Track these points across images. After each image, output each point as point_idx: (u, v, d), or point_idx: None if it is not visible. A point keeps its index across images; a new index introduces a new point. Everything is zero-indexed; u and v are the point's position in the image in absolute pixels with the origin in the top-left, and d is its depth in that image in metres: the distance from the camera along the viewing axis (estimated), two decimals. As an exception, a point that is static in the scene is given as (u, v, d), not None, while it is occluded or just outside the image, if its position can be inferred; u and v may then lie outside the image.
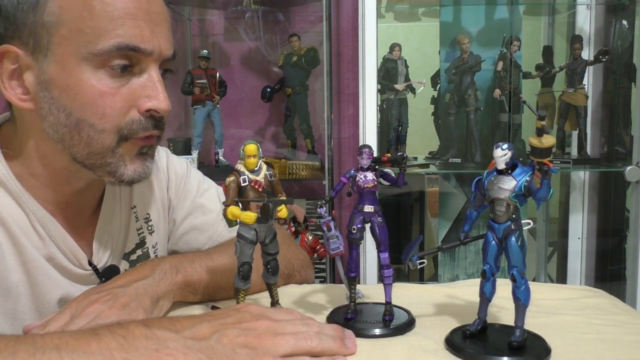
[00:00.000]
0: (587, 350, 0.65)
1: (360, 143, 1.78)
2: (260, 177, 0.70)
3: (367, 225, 0.72)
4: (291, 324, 0.63)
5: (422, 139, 2.41)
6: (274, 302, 0.74)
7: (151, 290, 0.75)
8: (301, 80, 2.03)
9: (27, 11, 0.71)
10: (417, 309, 0.77)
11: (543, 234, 2.28)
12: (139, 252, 0.92)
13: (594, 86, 2.01)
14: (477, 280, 0.68)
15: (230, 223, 0.69)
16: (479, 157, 1.94)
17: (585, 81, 1.91)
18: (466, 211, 0.68)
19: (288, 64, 2.02)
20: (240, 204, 0.68)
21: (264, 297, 0.80)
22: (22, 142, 0.78)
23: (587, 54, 1.95)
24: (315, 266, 2.02)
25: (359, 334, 0.68)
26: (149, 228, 0.94)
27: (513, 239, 0.63)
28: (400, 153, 0.71)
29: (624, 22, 2.02)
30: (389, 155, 0.72)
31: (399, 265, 0.72)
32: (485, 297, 0.67)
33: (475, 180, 0.67)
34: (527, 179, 0.61)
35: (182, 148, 1.99)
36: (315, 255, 1.98)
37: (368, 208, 0.71)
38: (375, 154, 0.71)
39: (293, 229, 1.95)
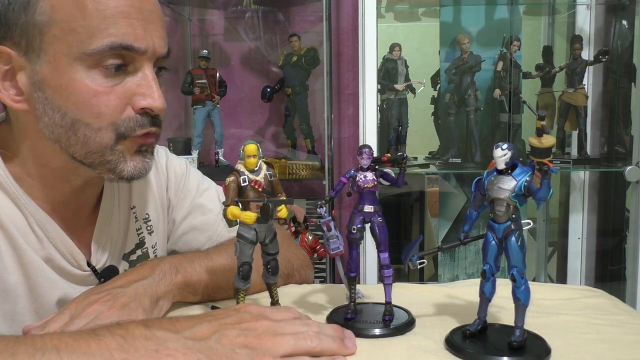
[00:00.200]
0: (587, 350, 0.65)
1: (360, 143, 1.78)
2: (260, 177, 0.70)
3: (367, 225, 0.72)
4: (291, 324, 0.63)
5: (422, 139, 2.41)
6: (274, 302, 0.74)
7: (151, 291, 0.75)
8: (301, 80, 2.03)
9: (18, 11, 0.71)
10: (417, 309, 0.77)
11: (543, 234, 2.28)
12: (138, 252, 0.92)
13: (594, 86, 2.01)
14: (477, 280, 0.68)
15: (230, 223, 0.69)
16: (479, 157, 1.94)
17: (585, 81, 1.91)
18: (466, 211, 0.68)
19: (288, 64, 2.02)
20: (240, 204, 0.68)
21: (264, 297, 0.80)
22: (19, 143, 0.78)
23: (587, 54, 1.95)
24: (315, 266, 2.02)
25: (359, 334, 0.68)
26: (149, 228, 0.93)
27: (513, 239, 0.63)
28: (400, 153, 0.71)
29: (624, 22, 2.02)
30: (389, 155, 0.72)
31: (399, 265, 0.72)
32: (485, 297, 0.67)
33: (475, 180, 0.67)
34: (527, 179, 0.61)
35: (182, 148, 1.99)
36: (315, 255, 1.98)
37: (368, 208, 0.71)
38: (375, 154, 0.71)
39: (293, 229, 1.95)
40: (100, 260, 0.85)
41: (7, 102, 0.74)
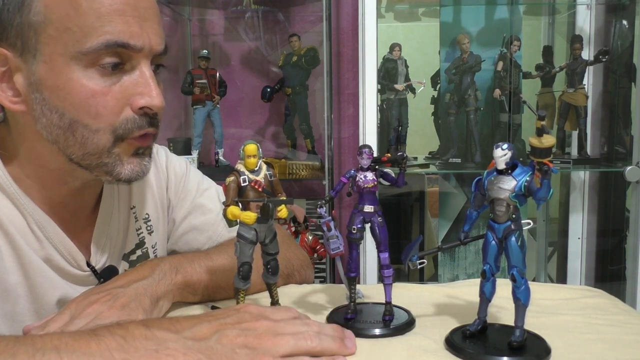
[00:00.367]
0: (587, 350, 0.65)
1: (360, 143, 1.78)
2: (260, 177, 0.70)
3: (367, 225, 0.72)
4: (291, 324, 0.63)
5: (422, 139, 2.41)
6: (274, 302, 0.74)
7: (151, 291, 0.75)
8: (301, 80, 2.02)
9: (13, 12, 0.70)
10: (417, 309, 0.77)
11: (543, 234, 2.28)
12: (138, 252, 0.92)
13: (594, 86, 2.01)
14: (477, 280, 0.68)
15: (230, 223, 0.69)
16: (479, 157, 1.94)
17: (585, 81, 1.91)
18: (466, 211, 0.68)
19: (288, 64, 2.02)
20: (240, 204, 0.68)
21: (264, 297, 0.80)
22: (17, 144, 0.78)
23: (587, 54, 1.95)
24: (315, 266, 2.02)
25: (359, 334, 0.68)
26: (148, 228, 0.93)
27: (513, 239, 0.63)
28: (400, 153, 0.71)
29: (624, 22, 2.02)
30: (389, 155, 0.72)
31: (399, 265, 0.72)
32: (485, 297, 0.67)
33: (475, 180, 0.67)
34: (527, 179, 0.61)
35: (182, 148, 1.99)
36: (315, 255, 1.98)
37: (368, 208, 0.71)
38: (375, 154, 0.71)
39: (293, 229, 1.95)
40: (100, 260, 0.85)
41: (5, 104, 0.74)
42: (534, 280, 2.01)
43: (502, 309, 0.74)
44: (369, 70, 1.76)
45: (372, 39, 1.76)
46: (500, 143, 0.63)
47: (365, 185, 0.70)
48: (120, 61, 0.72)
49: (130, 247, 0.91)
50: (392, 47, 2.09)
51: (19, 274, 0.76)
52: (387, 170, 0.72)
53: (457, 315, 0.75)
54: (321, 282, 2.03)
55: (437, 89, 2.16)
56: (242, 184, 0.69)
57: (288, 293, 0.85)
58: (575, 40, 1.89)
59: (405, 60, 2.10)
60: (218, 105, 2.01)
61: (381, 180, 0.72)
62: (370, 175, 0.70)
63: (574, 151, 2.05)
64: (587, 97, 1.91)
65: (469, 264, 2.12)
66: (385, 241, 0.71)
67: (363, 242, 0.71)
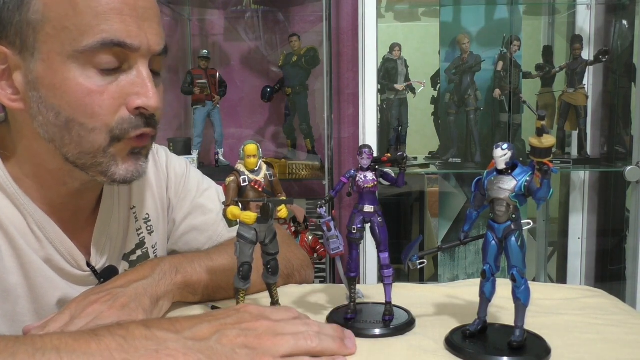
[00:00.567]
0: (587, 350, 0.65)
1: (360, 143, 1.78)
2: (260, 177, 0.70)
3: (367, 225, 0.72)
4: (291, 324, 0.63)
5: (422, 139, 2.41)
6: (274, 302, 0.74)
7: (151, 291, 0.75)
8: (301, 80, 2.02)
9: (12, 10, 0.71)
10: (417, 309, 0.77)
11: (543, 234, 2.28)
12: (138, 252, 0.92)
13: (594, 86, 2.01)
14: (477, 280, 0.68)
15: (230, 223, 0.69)
16: (479, 157, 1.94)
17: (585, 81, 1.91)
18: (466, 211, 0.68)
19: (288, 64, 2.02)
20: (240, 204, 0.68)
21: (264, 297, 0.80)
22: (16, 143, 0.78)
23: (587, 54, 1.95)
24: (315, 266, 2.02)
25: (359, 334, 0.68)
26: (149, 228, 0.93)
27: (513, 239, 0.63)
28: (400, 153, 0.71)
29: (624, 22, 2.02)
30: (389, 155, 0.72)
31: (399, 265, 0.72)
32: (485, 297, 0.67)
33: (475, 180, 0.67)
34: (527, 179, 0.61)
35: (182, 148, 1.99)
36: (315, 255, 1.98)
37: (368, 208, 0.71)
38: (375, 154, 0.71)
39: (293, 229, 1.95)
40: (100, 260, 0.85)
41: (4, 102, 0.74)
42: (534, 280, 2.01)
43: (502, 309, 0.74)
44: (369, 70, 1.76)
45: (372, 39, 1.76)
46: (500, 143, 0.63)
47: (365, 185, 0.70)
48: (118, 62, 0.72)
49: (130, 247, 0.91)
50: (392, 47, 2.09)
51: (19, 274, 0.76)
52: (387, 170, 0.72)
53: (457, 315, 0.75)
54: (321, 282, 2.03)
55: (437, 89, 2.16)
56: (242, 184, 0.69)
57: (288, 293, 0.85)
58: (575, 40, 1.89)
59: (405, 60, 2.10)
60: (218, 105, 2.01)
61: (381, 180, 0.72)
62: (370, 175, 0.70)
63: (574, 151, 2.05)
64: (587, 97, 1.91)
65: (469, 264, 2.12)
66: (385, 241, 0.71)
67: (363, 242, 0.71)
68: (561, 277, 2.22)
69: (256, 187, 0.69)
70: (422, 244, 0.70)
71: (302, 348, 0.60)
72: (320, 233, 1.97)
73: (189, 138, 2.07)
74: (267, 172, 0.71)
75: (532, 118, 1.99)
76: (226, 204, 0.68)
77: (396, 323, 0.71)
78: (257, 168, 0.70)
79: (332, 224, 0.71)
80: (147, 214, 0.93)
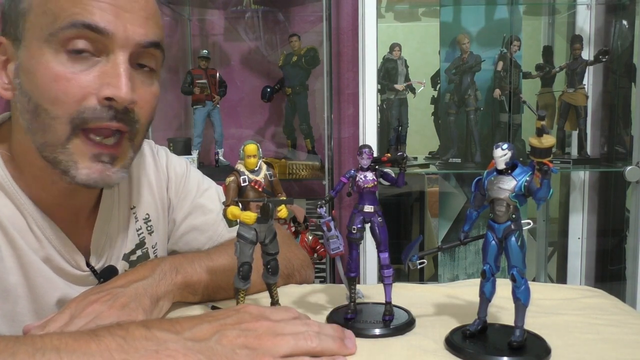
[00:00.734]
0: (587, 350, 0.65)
1: (360, 143, 1.78)
2: (260, 177, 0.70)
3: (367, 225, 0.72)
4: (291, 324, 0.63)
5: (422, 139, 2.41)
6: (274, 302, 0.74)
7: (151, 291, 0.75)
8: (301, 80, 2.02)
9: (11, 3, 0.73)
10: (417, 309, 0.77)
11: (543, 234, 2.28)
12: (138, 252, 0.92)
13: (594, 86, 2.01)
14: (477, 280, 0.68)
15: (230, 223, 0.69)
16: (479, 157, 1.94)
17: (585, 81, 1.91)
18: (466, 211, 0.68)
19: (288, 64, 2.02)
20: (240, 204, 0.68)
21: (264, 297, 0.80)
22: (15, 141, 0.78)
23: (587, 54, 1.95)
24: (315, 266, 2.02)
25: (359, 334, 0.68)
26: (149, 228, 0.93)
27: (513, 239, 0.63)
28: (400, 153, 0.71)
29: (624, 22, 2.02)
30: (389, 155, 0.72)
31: (399, 265, 0.72)
32: (485, 297, 0.67)
33: (475, 180, 0.67)
34: (527, 179, 0.61)
35: (182, 148, 1.99)
36: (315, 255, 1.98)
37: (368, 208, 0.71)
38: (375, 154, 0.71)
39: (293, 229, 1.95)
40: (100, 260, 0.85)
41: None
42: (534, 280, 2.01)
43: (502, 309, 0.74)
44: (369, 70, 1.76)
45: (372, 39, 1.76)
46: (500, 143, 0.63)
47: (365, 185, 0.70)
48: (92, 48, 0.70)
49: (130, 247, 0.91)
50: (392, 47, 2.09)
51: (19, 274, 0.76)
52: (387, 170, 0.72)
53: (457, 315, 0.75)
54: (321, 282, 2.03)
55: (437, 89, 2.16)
56: (242, 184, 0.69)
57: (288, 293, 0.85)
58: (575, 40, 1.89)
59: (405, 60, 2.10)
60: (218, 105, 2.01)
61: (381, 180, 0.72)
62: (370, 175, 0.70)
63: (574, 151, 2.05)
64: (587, 97, 1.91)
65: (469, 264, 2.12)
66: (385, 241, 0.71)
67: (363, 242, 0.71)
68: (561, 277, 2.22)
69: (256, 187, 0.69)
70: (422, 244, 0.70)
71: (302, 348, 0.60)
72: (320, 233, 1.97)
73: (189, 138, 2.07)
74: (267, 172, 0.71)
75: (532, 118, 1.99)
76: (226, 204, 0.68)
77: (396, 323, 0.71)
78: (257, 168, 0.70)
79: (332, 224, 0.71)
80: (147, 214, 0.93)
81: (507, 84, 1.93)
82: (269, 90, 2.06)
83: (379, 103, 1.97)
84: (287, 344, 0.59)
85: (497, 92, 1.93)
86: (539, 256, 2.31)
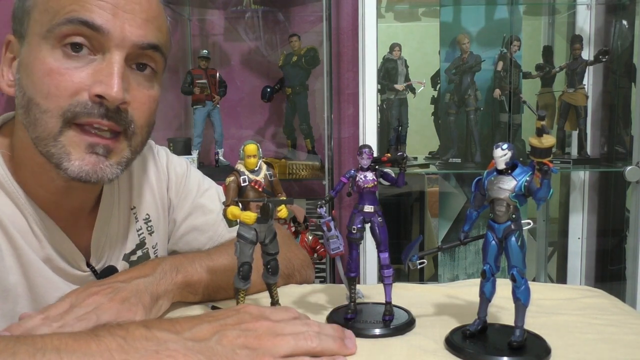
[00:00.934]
0: (587, 350, 0.65)
1: (360, 143, 1.78)
2: (260, 177, 0.70)
3: (367, 225, 0.72)
4: (291, 325, 0.63)
5: (422, 139, 2.41)
6: (274, 302, 0.74)
7: (151, 289, 0.75)
8: (301, 80, 2.02)
9: (21, 2, 0.75)
10: (417, 309, 0.77)
11: (543, 234, 2.28)
12: (139, 252, 0.92)
13: (594, 86, 2.01)
14: (477, 280, 0.68)
15: (230, 223, 0.69)
16: (479, 157, 1.94)
17: (585, 81, 1.91)
18: (466, 211, 0.68)
19: (288, 64, 2.01)
20: (240, 204, 0.68)
21: (264, 297, 0.80)
22: (16, 137, 0.78)
23: (587, 54, 1.95)
24: (315, 266, 2.02)
25: (359, 334, 0.68)
26: (149, 228, 0.93)
27: (513, 239, 0.63)
28: (400, 153, 0.71)
29: (624, 22, 2.02)
30: (389, 155, 0.72)
31: (399, 265, 0.72)
32: (485, 297, 0.67)
33: (475, 180, 0.67)
34: (527, 179, 0.61)
35: (182, 148, 1.99)
36: (315, 255, 1.98)
37: (368, 208, 0.71)
38: (375, 154, 0.71)
39: (293, 229, 1.95)
40: (100, 260, 0.85)
41: (3, 87, 0.76)
42: (534, 280, 2.01)
43: (502, 309, 0.74)
44: (369, 70, 1.76)
45: (372, 39, 1.76)
46: (500, 143, 0.63)
47: (365, 185, 0.70)
48: (88, 45, 0.71)
49: (130, 247, 0.91)
50: (392, 47, 2.09)
51: (19, 274, 0.76)
52: (387, 170, 0.72)
53: (457, 315, 0.75)
54: (321, 282, 2.03)
55: (437, 89, 2.16)
56: (242, 184, 0.69)
57: (288, 293, 0.85)
58: (575, 40, 1.89)
59: (405, 60, 2.10)
60: (218, 105, 2.01)
61: (381, 180, 0.72)
62: (370, 175, 0.70)
63: (574, 151, 2.04)
64: (587, 97, 1.91)
65: (469, 264, 2.12)
66: (385, 241, 0.71)
67: (363, 242, 0.71)
68: (561, 277, 2.22)
69: (256, 187, 0.69)
70: (422, 244, 0.70)
71: (302, 348, 0.60)
72: (320, 233, 1.97)
73: (189, 138, 2.07)
74: (267, 172, 0.71)
75: (532, 118, 1.99)
76: (226, 204, 0.68)
77: (396, 323, 0.72)
78: (257, 168, 0.70)
79: (332, 224, 0.71)
80: (147, 214, 0.93)
81: (507, 84, 1.93)
82: (269, 90, 2.06)
83: (379, 103, 1.97)
84: (287, 344, 0.59)
85: (497, 92, 1.93)
86: (539, 256, 2.31)
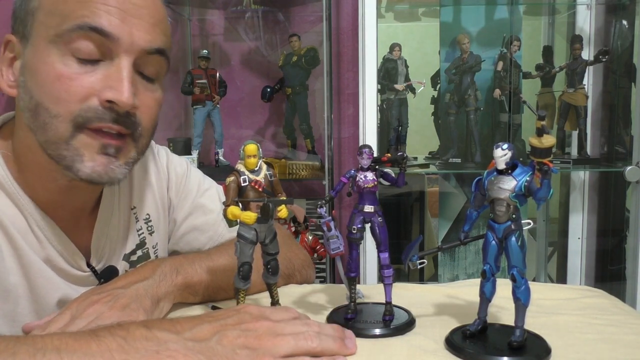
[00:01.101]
0: (587, 350, 0.65)
1: (360, 143, 1.78)
2: (260, 177, 0.70)
3: (367, 225, 0.72)
4: (291, 325, 0.63)
5: (422, 139, 2.41)
6: (274, 302, 0.74)
7: (151, 292, 0.75)
8: (301, 80, 2.02)
9: (23, 2, 0.74)
10: (417, 309, 0.77)
11: (543, 234, 2.28)
12: (139, 252, 0.92)
13: (594, 86, 2.01)
14: (477, 280, 0.68)
15: (230, 223, 0.69)
16: (479, 157, 1.94)
17: (585, 81, 1.91)
18: (466, 211, 0.68)
19: (288, 64, 2.02)
20: (240, 204, 0.68)
21: (264, 297, 0.80)
22: (17, 138, 0.78)
23: (587, 54, 1.95)
24: (315, 266, 2.02)
25: (359, 334, 0.68)
26: (149, 228, 0.93)
27: (513, 239, 0.63)
28: (400, 153, 0.71)
29: (624, 22, 2.02)
30: (389, 155, 0.72)
31: (399, 265, 0.72)
32: (485, 297, 0.67)
33: (475, 180, 0.67)
34: (527, 179, 0.61)
35: (182, 148, 1.99)
36: (315, 255, 1.98)
37: (368, 208, 0.71)
38: (375, 154, 0.71)
39: (293, 229, 1.95)
40: (100, 261, 0.85)
41: (4, 87, 0.76)
42: (534, 280, 2.01)
43: (502, 309, 0.74)
44: (369, 70, 1.76)
45: (372, 39, 1.76)
46: (500, 143, 0.63)
47: (365, 185, 0.70)
48: (98, 51, 0.71)
49: (131, 247, 0.91)
50: (392, 47, 2.09)
51: (20, 275, 0.76)
52: (387, 170, 0.72)
53: (457, 315, 0.75)
54: (321, 282, 2.03)
55: (437, 89, 2.16)
56: (242, 184, 0.69)
57: (288, 293, 0.85)
58: (575, 40, 1.89)
59: (405, 60, 2.10)
60: (218, 105, 2.01)
61: (381, 180, 0.72)
62: (370, 175, 0.70)
63: (574, 151, 2.05)
64: (587, 97, 1.91)
65: (469, 264, 2.12)
66: (385, 241, 0.71)
67: (363, 242, 0.71)
68: (561, 277, 2.22)
69: (256, 187, 0.69)
70: (422, 244, 0.70)
71: (302, 348, 0.60)
72: (320, 233, 1.97)
73: (189, 138, 2.07)
74: (267, 172, 0.71)
75: (532, 118, 1.99)
76: (226, 204, 0.68)
77: (396, 323, 0.72)
78: (257, 168, 0.70)
79: (332, 224, 0.71)
80: (147, 214, 0.93)
81: (507, 84, 1.93)
82: (269, 90, 2.06)
83: (379, 103, 1.97)
84: (288, 344, 0.59)
85: (497, 92, 1.93)
86: (539, 256, 2.31)
